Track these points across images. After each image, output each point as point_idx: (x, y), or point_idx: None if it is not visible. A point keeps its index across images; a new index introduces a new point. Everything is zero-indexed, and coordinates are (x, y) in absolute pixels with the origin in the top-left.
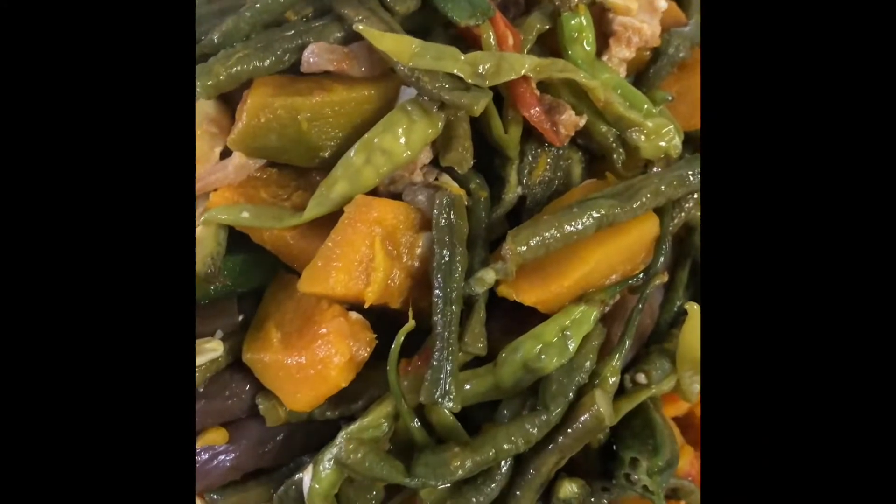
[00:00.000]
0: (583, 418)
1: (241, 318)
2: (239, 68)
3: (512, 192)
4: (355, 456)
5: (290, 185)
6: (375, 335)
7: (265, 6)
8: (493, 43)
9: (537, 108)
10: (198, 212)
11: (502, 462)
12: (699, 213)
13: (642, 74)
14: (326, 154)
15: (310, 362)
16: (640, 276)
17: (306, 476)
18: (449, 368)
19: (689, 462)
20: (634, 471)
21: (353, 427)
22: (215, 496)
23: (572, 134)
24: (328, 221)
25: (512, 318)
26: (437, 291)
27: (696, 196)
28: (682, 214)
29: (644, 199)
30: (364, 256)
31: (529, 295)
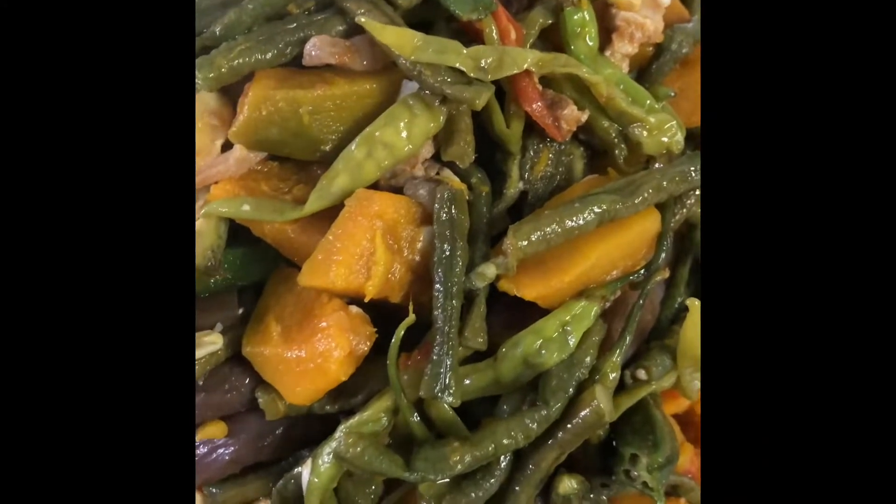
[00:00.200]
0: (583, 414)
1: (241, 311)
2: (241, 61)
3: (513, 187)
4: (355, 450)
5: (291, 178)
6: (375, 329)
7: None
8: (495, 37)
9: (539, 103)
10: (199, 204)
11: (502, 457)
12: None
13: (645, 70)
14: (328, 147)
15: (310, 356)
16: (642, 272)
17: (305, 470)
18: (449, 363)
19: (688, 459)
20: (634, 467)
21: (352, 421)
22: (214, 490)
23: (574, 129)
24: (329, 215)
25: (512, 314)
26: (437, 286)
27: (697, 192)
28: (684, 210)
29: (646, 195)
30: (365, 250)
31: (530, 290)
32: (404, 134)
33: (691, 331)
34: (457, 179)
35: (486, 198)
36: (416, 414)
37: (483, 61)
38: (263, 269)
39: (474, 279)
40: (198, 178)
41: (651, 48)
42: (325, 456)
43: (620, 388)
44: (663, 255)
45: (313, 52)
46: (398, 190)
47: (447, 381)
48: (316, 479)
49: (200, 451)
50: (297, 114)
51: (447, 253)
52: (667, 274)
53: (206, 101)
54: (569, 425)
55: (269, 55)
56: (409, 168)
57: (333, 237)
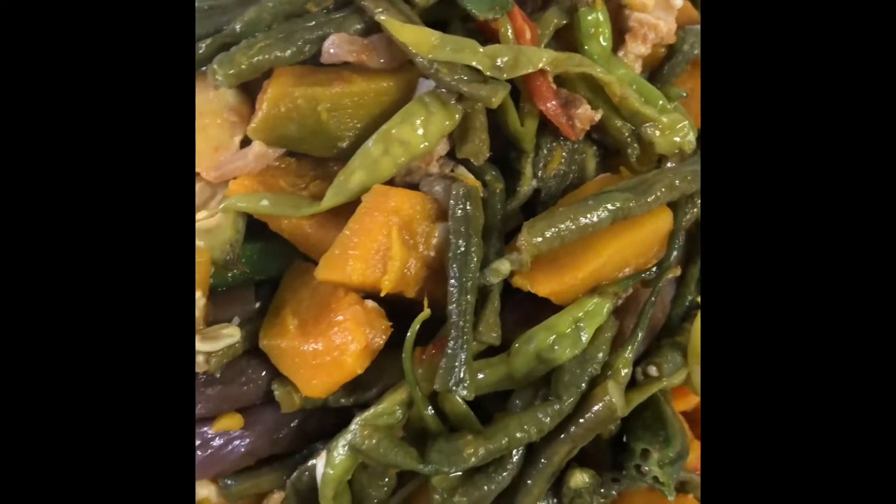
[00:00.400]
0: (595, 408)
1: (258, 305)
2: (260, 58)
3: (527, 185)
4: (370, 442)
5: (309, 174)
6: (391, 323)
7: None
8: (510, 37)
9: (554, 102)
10: (217, 199)
11: (514, 451)
12: None
13: (657, 71)
14: (345, 144)
15: (326, 349)
16: (653, 269)
17: (320, 462)
18: (463, 357)
19: (697, 457)
20: (645, 462)
21: (367, 414)
22: (229, 481)
23: (587, 128)
24: (346, 211)
25: (526, 309)
26: (452, 281)
27: None
28: (696, 209)
29: (658, 194)
30: (381, 245)
31: (544, 286)
32: (420, 131)
33: None
34: (471, 176)
35: (500, 195)
36: (430, 407)
37: (499, 60)
38: (280, 263)
39: (489, 275)
40: (216, 174)
41: (663, 49)
42: (340, 448)
43: (632, 385)
44: (675, 253)
45: (331, 50)
46: (414, 186)
47: (461, 374)
48: (331, 471)
49: (216, 442)
50: (316, 111)
51: (462, 249)
52: (678, 272)
53: (225, 98)
54: (581, 420)
55: (288, 52)
56: (424, 165)
57: (350, 232)
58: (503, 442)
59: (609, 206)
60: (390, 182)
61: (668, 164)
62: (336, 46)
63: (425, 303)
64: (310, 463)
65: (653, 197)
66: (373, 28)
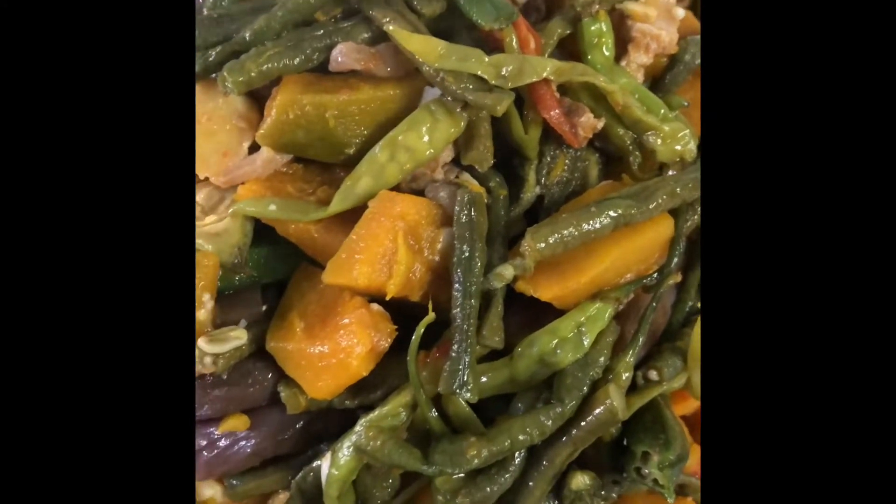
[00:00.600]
0: (596, 412)
1: (264, 307)
2: (269, 66)
3: (530, 191)
4: (375, 443)
5: (316, 179)
6: (396, 327)
7: (296, 6)
8: (515, 46)
9: (557, 111)
10: (226, 204)
11: (517, 453)
12: None
13: (659, 80)
14: (352, 150)
15: (332, 351)
16: (654, 275)
17: (325, 463)
18: (467, 360)
19: (696, 460)
20: (645, 464)
21: (372, 415)
22: (235, 481)
23: (590, 136)
24: (352, 216)
25: (529, 314)
26: (456, 285)
27: None
28: (696, 217)
29: (660, 201)
30: (387, 250)
31: (546, 291)
32: (426, 138)
33: None
34: (476, 183)
35: (504, 201)
36: (434, 409)
37: (504, 69)
38: (287, 267)
39: (492, 279)
40: (225, 179)
41: (665, 59)
42: (345, 449)
43: (633, 389)
44: (676, 259)
45: (339, 59)
46: (419, 192)
47: (465, 377)
48: (335, 472)
49: (222, 443)
50: (323, 117)
51: (466, 254)
52: (679, 278)
53: (234, 105)
54: (582, 423)
55: (296, 60)
56: (429, 171)
57: (357, 237)
58: (506, 444)
59: (611, 213)
60: (396, 188)
61: (670, 172)
62: (344, 55)
63: (430, 306)
64: (315, 463)
65: (654, 204)
66: (380, 37)
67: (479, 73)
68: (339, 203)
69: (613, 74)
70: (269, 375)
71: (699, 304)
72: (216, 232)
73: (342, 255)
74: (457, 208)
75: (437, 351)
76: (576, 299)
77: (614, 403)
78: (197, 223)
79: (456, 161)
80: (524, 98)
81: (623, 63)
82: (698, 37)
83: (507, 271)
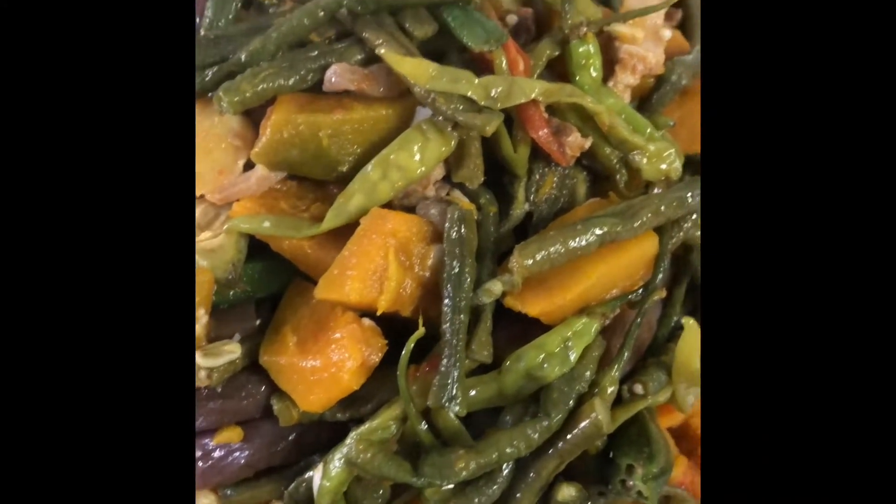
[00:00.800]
0: (582, 425)
1: (258, 322)
2: (264, 86)
3: (519, 209)
4: (365, 456)
5: (309, 196)
6: (386, 341)
7: (291, 28)
8: (504, 68)
9: (545, 130)
10: (220, 220)
11: (504, 465)
12: (697, 233)
13: (646, 100)
14: (345, 168)
15: (324, 365)
16: (640, 291)
17: (317, 474)
18: (456, 374)
19: (682, 472)
20: (630, 477)
21: (363, 428)
22: (229, 492)
23: (578, 155)
24: (344, 232)
25: (517, 329)
26: (446, 301)
27: (694, 217)
28: (681, 234)
29: (645, 219)
30: (378, 266)
31: (534, 306)
32: (417, 157)
33: (686, 348)
34: (466, 200)
35: (494, 218)
36: (423, 422)
37: (493, 90)
38: (280, 282)
39: (481, 295)
40: (220, 196)
41: (652, 79)
42: (336, 461)
43: (618, 402)
44: (660, 275)
45: (333, 79)
46: (410, 209)
47: (454, 391)
48: (327, 483)
49: (217, 454)
50: (317, 136)
51: (456, 270)
52: (663, 294)
53: (229, 124)
54: (569, 436)
55: (291, 81)
56: (421, 189)
57: (349, 253)
58: (493, 456)
59: (597, 231)
60: (388, 205)
61: (655, 190)
62: (337, 75)
63: (420, 322)
64: (307, 475)
65: (639, 222)
66: (373, 58)
67: (469, 94)
68: (331, 220)
69: (601, 95)
70: (263, 388)
71: (684, 320)
72: (211, 248)
73: (334, 270)
74: (447, 225)
75: (426, 365)
76: (563, 315)
77: (599, 417)
78: None
79: (447, 178)
80: (513, 118)
81: (610, 83)
82: (685, 57)
83: (495, 287)
